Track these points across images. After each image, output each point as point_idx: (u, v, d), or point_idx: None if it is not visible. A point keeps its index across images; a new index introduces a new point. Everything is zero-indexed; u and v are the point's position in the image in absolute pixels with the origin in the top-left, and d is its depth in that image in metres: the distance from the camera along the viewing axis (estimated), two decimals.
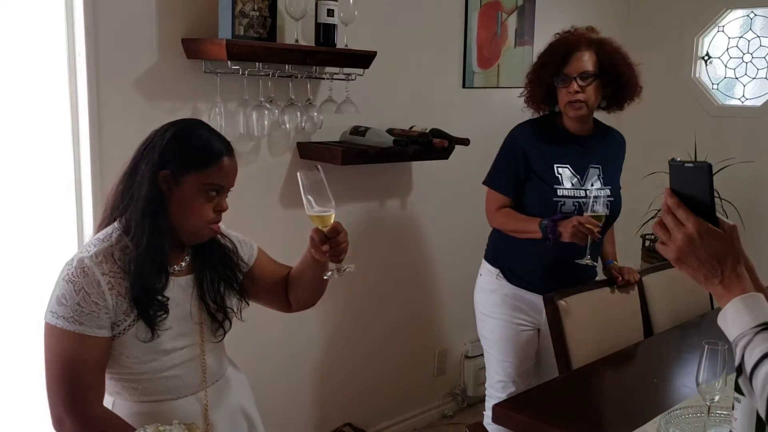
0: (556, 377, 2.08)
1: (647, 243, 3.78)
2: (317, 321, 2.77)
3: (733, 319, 1.07)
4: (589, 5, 3.83)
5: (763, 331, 1.03)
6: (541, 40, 3.43)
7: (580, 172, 2.29)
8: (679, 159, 1.15)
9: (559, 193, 2.25)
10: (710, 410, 1.55)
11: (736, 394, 1.50)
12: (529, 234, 2.24)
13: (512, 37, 3.37)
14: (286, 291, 1.66)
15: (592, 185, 2.28)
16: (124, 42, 2.09)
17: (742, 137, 3.75)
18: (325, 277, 1.53)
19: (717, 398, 1.53)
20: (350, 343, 2.92)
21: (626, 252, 4.04)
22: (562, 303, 2.23)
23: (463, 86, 3.20)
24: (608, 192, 2.29)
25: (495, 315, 2.40)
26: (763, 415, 1.00)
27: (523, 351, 2.38)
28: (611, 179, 2.33)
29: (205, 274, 1.55)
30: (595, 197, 2.16)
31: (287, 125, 2.40)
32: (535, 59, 2.42)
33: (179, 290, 1.50)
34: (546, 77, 2.26)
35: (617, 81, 2.26)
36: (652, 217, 3.81)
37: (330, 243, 1.45)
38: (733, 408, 1.51)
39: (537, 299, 2.31)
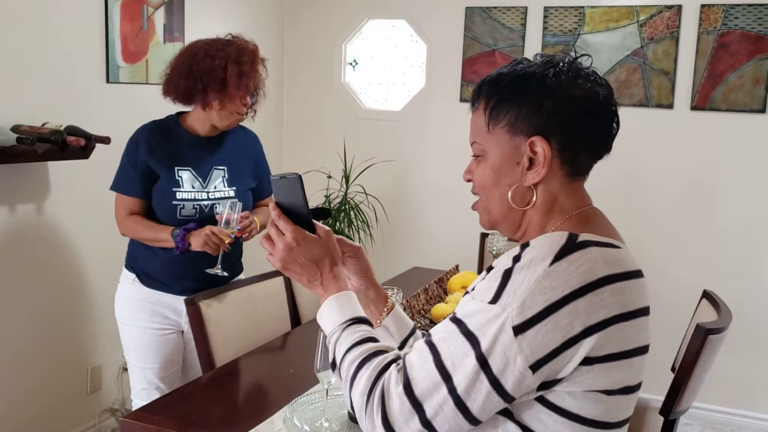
0: (197, 378, 2.03)
1: None
2: None
3: (327, 317, 1.14)
4: (243, 7, 3.87)
5: (349, 326, 1.11)
6: (193, 37, 3.39)
7: (203, 175, 2.26)
8: (278, 173, 1.19)
9: (179, 196, 2.21)
10: (328, 393, 1.64)
11: None
12: (161, 243, 2.19)
13: (161, 32, 3.25)
14: None
15: (215, 188, 2.27)
16: None
17: (384, 138, 4.11)
18: None
19: (333, 380, 1.63)
20: None
21: None
22: (204, 304, 2.20)
23: (108, 81, 3.01)
24: (232, 193, 2.29)
25: (133, 322, 2.29)
26: (347, 402, 1.06)
27: (166, 356, 2.30)
28: (237, 180, 2.32)
29: None
30: (230, 208, 2.14)
31: None
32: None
33: None
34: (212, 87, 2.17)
35: (256, 93, 2.30)
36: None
37: None
38: None
39: (177, 301, 2.25)
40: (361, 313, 1.15)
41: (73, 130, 2.59)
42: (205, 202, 2.24)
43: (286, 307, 2.57)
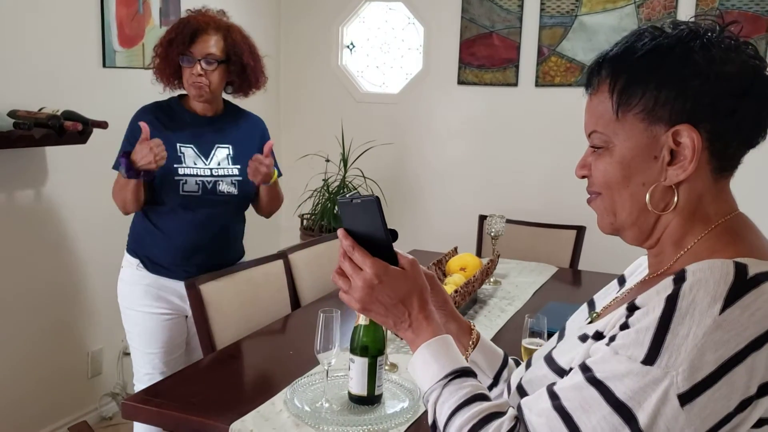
0: (198, 360, 2.05)
1: (304, 222, 3.96)
2: None
3: (422, 370, 0.98)
4: None
5: (450, 382, 0.94)
6: None
7: (205, 153, 2.27)
8: (348, 195, 1.03)
9: (181, 171, 2.22)
10: (328, 374, 1.66)
11: (351, 356, 1.62)
12: (128, 189, 2.13)
13: (156, 15, 3.23)
14: None
15: (219, 164, 2.28)
16: None
17: (383, 121, 4.10)
18: None
19: (333, 362, 1.64)
20: None
21: (286, 233, 4.19)
22: (204, 287, 2.21)
23: (104, 65, 2.99)
24: (236, 171, 2.30)
25: (137, 307, 2.29)
26: None
27: (170, 341, 2.31)
28: (242, 159, 2.31)
29: None
30: None
31: None
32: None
33: None
34: (173, 55, 2.20)
35: (242, 71, 2.27)
36: (309, 197, 4.00)
37: None
38: (349, 368, 1.64)
39: (181, 286, 2.24)
40: (462, 362, 0.97)
41: (70, 115, 2.58)
42: (209, 179, 2.25)
43: (287, 290, 2.58)
